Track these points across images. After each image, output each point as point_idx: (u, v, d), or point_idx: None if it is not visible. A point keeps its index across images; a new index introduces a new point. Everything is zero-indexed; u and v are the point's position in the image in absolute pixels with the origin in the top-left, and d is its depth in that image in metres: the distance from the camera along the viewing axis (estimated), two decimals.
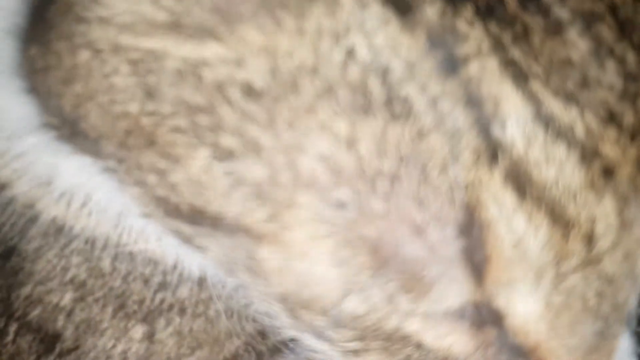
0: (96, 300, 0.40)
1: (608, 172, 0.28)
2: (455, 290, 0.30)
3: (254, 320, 0.41)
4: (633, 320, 0.37)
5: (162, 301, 0.40)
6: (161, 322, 0.40)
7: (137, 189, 0.32)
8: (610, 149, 0.28)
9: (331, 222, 0.29)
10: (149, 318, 0.40)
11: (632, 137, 0.29)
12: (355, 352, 0.33)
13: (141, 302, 0.40)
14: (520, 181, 0.27)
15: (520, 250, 0.28)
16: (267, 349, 0.42)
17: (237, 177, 0.29)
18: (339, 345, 0.33)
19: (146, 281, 0.40)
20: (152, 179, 0.31)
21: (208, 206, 0.30)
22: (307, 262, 0.30)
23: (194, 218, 0.31)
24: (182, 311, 0.40)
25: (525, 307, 0.31)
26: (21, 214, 0.39)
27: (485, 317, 0.32)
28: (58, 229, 0.39)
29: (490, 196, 0.27)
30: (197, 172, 0.30)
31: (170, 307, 0.40)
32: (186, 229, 0.33)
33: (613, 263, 0.31)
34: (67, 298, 0.40)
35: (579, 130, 0.28)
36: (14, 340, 0.41)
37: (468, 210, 0.28)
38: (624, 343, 0.36)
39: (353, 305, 0.31)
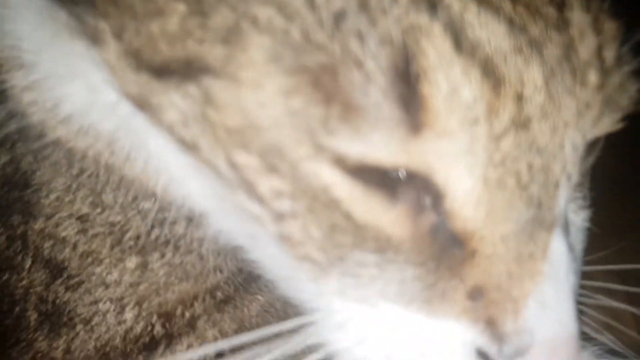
0: (96, 235, 0.43)
1: (536, 45, 0.32)
2: (388, 135, 0.31)
3: (236, 259, 0.44)
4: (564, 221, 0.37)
5: (157, 237, 0.43)
6: (155, 255, 0.43)
7: (116, 44, 0.34)
8: (535, 29, 0.32)
9: (280, 58, 0.31)
10: (143, 251, 0.43)
11: (558, 29, 0.33)
12: (282, 216, 0.34)
13: (138, 237, 0.43)
14: (457, 35, 0.30)
15: (455, 98, 0.30)
16: (242, 282, 0.45)
17: (206, 27, 0.32)
18: (268, 206, 0.34)
19: (144, 217, 0.43)
20: (130, 30, 0.34)
21: (179, 53, 0.33)
22: (255, 95, 0.32)
23: (162, 72, 0.34)
24: (176, 247, 0.43)
25: (464, 185, 0.32)
26: (35, 141, 0.42)
27: (424, 200, 0.33)
28: (67, 160, 0.42)
29: (430, 43, 0.30)
30: (174, 23, 0.32)
31: (166, 242, 0.43)
32: (152, 85, 0.34)
33: (542, 134, 0.33)
34: (72, 231, 0.43)
35: (507, 8, 0.31)
36: (28, 275, 0.44)
37: (407, 55, 0.30)
38: (559, 247, 0.35)
39: (285, 138, 0.32)
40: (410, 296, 0.34)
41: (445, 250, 0.34)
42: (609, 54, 0.36)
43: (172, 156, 0.38)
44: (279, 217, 0.34)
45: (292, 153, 0.33)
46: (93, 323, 0.42)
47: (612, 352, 0.47)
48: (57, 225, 0.43)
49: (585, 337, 0.48)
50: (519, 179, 0.33)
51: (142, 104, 0.35)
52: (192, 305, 0.43)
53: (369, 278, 0.35)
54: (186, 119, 0.34)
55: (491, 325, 0.33)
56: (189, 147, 0.35)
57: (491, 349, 0.34)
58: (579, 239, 0.42)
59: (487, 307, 0.34)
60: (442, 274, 0.34)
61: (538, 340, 0.33)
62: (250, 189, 0.34)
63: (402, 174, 0.33)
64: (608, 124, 0.38)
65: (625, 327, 0.53)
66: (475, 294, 0.34)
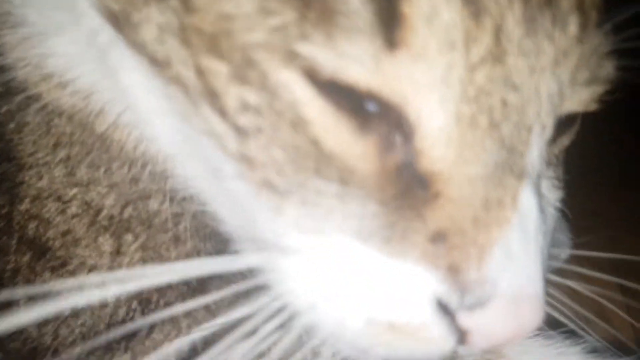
0: (75, 215, 0.44)
1: None
2: (363, 48, 0.30)
3: (214, 240, 0.45)
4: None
5: (130, 216, 0.43)
6: (129, 237, 0.44)
7: None
8: None
9: None
10: (117, 232, 0.43)
11: None
12: (245, 133, 0.34)
13: (111, 217, 0.43)
14: None
15: (434, 20, 0.30)
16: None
17: None
18: (233, 120, 0.34)
19: (118, 192, 0.43)
20: None
21: None
22: None
23: None
24: (150, 226, 0.44)
25: (436, 121, 0.32)
26: (17, 95, 0.43)
27: (395, 137, 0.33)
28: (46, 127, 0.43)
29: None
30: None
31: (140, 222, 0.44)
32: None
33: (518, 71, 0.32)
34: (54, 212, 0.44)
35: None
36: (15, 256, 0.45)
37: None
38: (529, 200, 0.35)
39: (258, 42, 0.32)
40: (369, 233, 0.33)
41: (409, 191, 0.33)
42: (590, 11, 0.36)
43: (142, 93, 0.39)
44: (242, 134, 0.34)
45: (264, 61, 0.32)
46: (78, 308, 0.43)
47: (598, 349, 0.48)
48: (40, 206, 0.44)
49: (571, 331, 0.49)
50: (492, 117, 0.32)
51: (122, 22, 0.36)
52: (166, 293, 0.44)
53: (328, 209, 0.34)
54: (162, 34, 0.34)
55: (453, 273, 0.33)
56: (161, 64, 0.35)
57: (451, 298, 0.33)
58: (551, 214, 0.42)
59: (449, 252, 0.33)
60: (404, 214, 0.33)
61: (501, 292, 0.32)
62: (216, 101, 0.34)
63: (375, 107, 0.33)
64: (585, 97, 0.38)
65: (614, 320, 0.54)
66: (438, 238, 0.33)
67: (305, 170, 0.34)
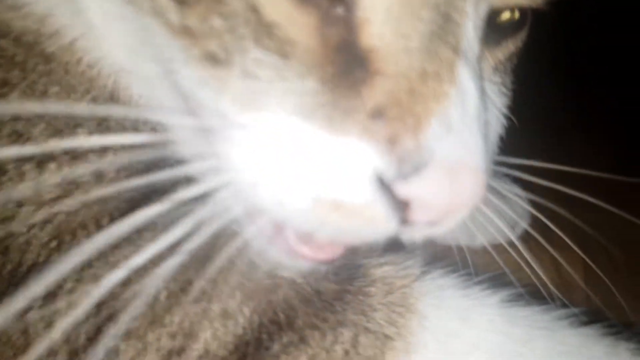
0: None
1: None
2: None
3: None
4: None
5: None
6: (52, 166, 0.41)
7: None
8: None
9: None
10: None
11: None
12: (186, 1, 0.34)
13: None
14: None
15: None
16: None
17: None
18: None
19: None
20: None
21: None
22: None
23: None
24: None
25: None
26: None
27: (337, 9, 0.33)
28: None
29: None
30: None
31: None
32: None
33: None
34: None
35: None
36: None
37: None
38: (468, 78, 0.35)
39: None
40: (311, 110, 0.33)
41: (349, 70, 0.33)
42: None
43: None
44: (182, 3, 0.34)
45: None
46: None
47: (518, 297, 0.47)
48: None
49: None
50: None
51: None
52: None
53: (269, 83, 0.33)
54: None
55: (391, 145, 0.33)
56: None
57: (389, 171, 0.33)
58: (495, 116, 0.43)
59: (388, 126, 0.33)
60: (344, 93, 0.33)
61: (437, 159, 0.33)
62: None
63: None
64: None
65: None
66: (377, 114, 0.33)
67: (245, 39, 0.33)
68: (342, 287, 0.43)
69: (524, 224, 0.83)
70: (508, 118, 0.49)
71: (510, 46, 0.45)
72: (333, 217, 0.34)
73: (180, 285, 0.39)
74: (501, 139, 0.49)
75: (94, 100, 0.42)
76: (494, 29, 0.42)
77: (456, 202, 0.34)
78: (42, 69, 0.42)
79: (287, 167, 0.34)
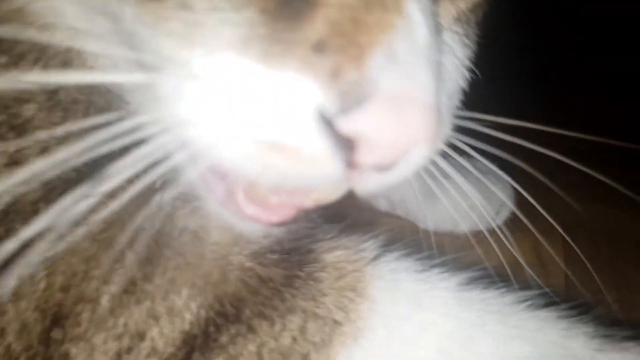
0: None
1: None
2: None
3: None
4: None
5: None
6: None
7: None
8: None
9: None
10: None
11: None
12: None
13: None
14: None
15: None
16: None
17: None
18: None
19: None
20: None
21: None
22: None
23: None
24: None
25: None
26: None
27: None
28: None
29: None
30: None
31: None
32: None
33: None
34: None
35: None
36: None
37: None
38: (417, 11, 0.33)
39: None
40: (250, 44, 0.32)
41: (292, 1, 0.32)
42: None
43: None
44: None
45: None
46: None
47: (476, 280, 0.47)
48: None
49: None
50: None
51: None
52: None
53: (203, 12, 0.32)
54: None
55: (334, 77, 0.31)
56: None
57: (331, 105, 0.31)
58: (454, 64, 0.42)
59: (330, 57, 0.31)
60: (286, 25, 0.32)
61: (381, 91, 0.31)
62: None
63: None
64: None
65: None
66: (320, 46, 0.31)
67: None
68: (291, 273, 0.43)
69: (507, 210, 0.82)
70: (471, 71, 0.47)
71: None
72: (275, 159, 0.33)
73: (123, 286, 0.39)
74: (468, 93, 0.47)
75: (45, 68, 0.41)
76: None
77: (403, 138, 0.32)
78: None
79: (223, 106, 0.33)
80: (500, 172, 0.82)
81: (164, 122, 0.34)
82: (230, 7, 0.32)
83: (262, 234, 0.43)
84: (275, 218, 0.40)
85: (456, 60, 0.43)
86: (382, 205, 0.85)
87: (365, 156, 0.32)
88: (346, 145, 0.32)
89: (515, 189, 0.79)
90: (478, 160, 0.87)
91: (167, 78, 0.33)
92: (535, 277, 0.51)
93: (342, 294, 0.43)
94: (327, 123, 0.31)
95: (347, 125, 0.31)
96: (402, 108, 0.31)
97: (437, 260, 0.47)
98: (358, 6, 0.31)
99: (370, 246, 0.46)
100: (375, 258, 0.45)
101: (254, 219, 0.40)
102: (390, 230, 0.48)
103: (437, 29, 0.37)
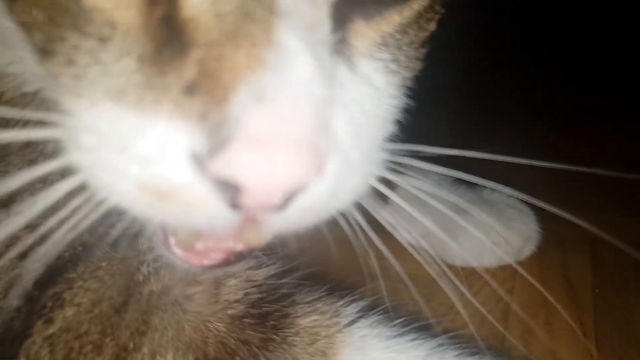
0: None
1: None
2: None
3: None
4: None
5: None
6: None
7: None
8: None
9: None
10: None
11: None
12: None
13: None
14: None
15: None
16: None
17: None
18: None
19: None
20: None
21: None
22: None
23: None
24: None
25: None
26: None
27: None
28: None
29: None
30: None
31: None
32: None
33: None
34: None
35: None
36: None
37: None
38: (295, 41, 0.32)
39: None
40: (127, 92, 0.32)
41: (168, 45, 0.32)
42: None
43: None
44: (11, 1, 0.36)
45: None
46: None
47: None
48: None
49: None
50: None
51: None
52: None
53: (84, 66, 0.34)
54: None
55: (201, 120, 0.31)
56: None
57: (201, 147, 0.31)
58: (374, 96, 0.40)
59: (200, 99, 0.31)
60: (161, 70, 0.32)
61: (243, 130, 0.30)
62: None
63: None
64: None
65: None
66: (191, 89, 0.31)
67: (63, 27, 0.34)
68: (267, 336, 0.46)
69: (533, 243, 0.79)
70: (409, 97, 0.44)
71: (395, 17, 0.41)
72: (160, 203, 0.34)
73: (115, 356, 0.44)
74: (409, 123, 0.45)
75: None
76: None
77: (273, 178, 0.31)
78: None
79: (107, 154, 0.34)
80: (522, 205, 0.81)
81: (68, 170, 0.36)
82: (110, 59, 0.33)
83: (240, 298, 0.47)
84: (207, 262, 0.41)
85: (374, 90, 0.39)
86: (406, 237, 0.86)
87: (243, 198, 0.32)
88: (226, 186, 0.32)
89: (539, 220, 0.79)
90: (500, 193, 0.86)
91: (63, 131, 0.36)
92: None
93: (314, 359, 0.46)
94: (201, 165, 0.32)
95: (216, 166, 0.31)
96: (266, 147, 0.30)
97: (416, 325, 0.49)
98: (226, 43, 0.31)
99: (348, 311, 0.48)
100: (350, 324, 0.47)
101: (187, 263, 0.41)
102: (374, 293, 0.50)
103: (336, 62, 0.36)
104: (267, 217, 0.35)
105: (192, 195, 0.33)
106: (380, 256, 0.49)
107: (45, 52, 0.36)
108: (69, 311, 0.45)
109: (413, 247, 0.83)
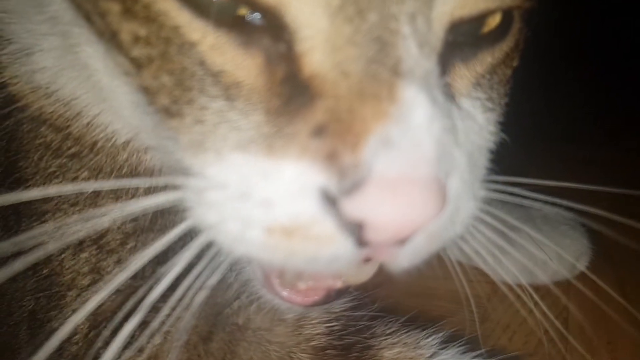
0: None
1: None
2: None
3: None
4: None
5: None
6: None
7: None
8: None
9: None
10: None
11: None
12: (140, 64, 0.38)
13: None
14: None
15: None
16: None
17: None
18: (129, 54, 0.38)
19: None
20: None
21: None
22: None
23: None
24: None
25: (311, 20, 0.34)
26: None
27: (279, 48, 0.35)
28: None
29: None
30: None
31: None
32: None
33: None
34: None
35: None
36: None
37: None
38: (415, 95, 0.35)
39: None
40: (257, 142, 0.35)
41: (293, 98, 0.35)
42: None
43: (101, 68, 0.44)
44: (137, 65, 0.38)
45: None
46: None
47: None
48: None
49: None
50: (358, 5, 0.34)
51: None
52: None
53: (213, 124, 0.36)
54: None
55: (331, 159, 0.33)
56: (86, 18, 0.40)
57: (332, 185, 0.33)
58: (475, 131, 0.42)
59: (328, 141, 0.34)
60: (287, 119, 0.35)
61: (375, 174, 0.33)
62: (116, 40, 0.38)
63: (257, 18, 0.35)
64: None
65: None
66: (319, 131, 0.34)
67: (192, 90, 0.36)
68: None
69: (586, 258, 0.79)
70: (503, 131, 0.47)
71: (488, 58, 0.44)
72: (287, 244, 0.35)
73: None
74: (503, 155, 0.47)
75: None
76: (472, 41, 0.42)
77: (403, 217, 0.33)
78: (73, 152, 0.48)
79: (236, 202, 0.36)
80: (574, 221, 0.80)
81: (197, 228, 0.38)
82: (237, 116, 0.36)
83: (321, 330, 0.47)
84: (309, 300, 0.43)
85: (476, 125, 0.42)
86: (456, 255, 0.86)
87: (372, 235, 0.34)
88: (354, 224, 0.34)
89: (591, 235, 0.78)
90: (553, 210, 0.85)
91: (189, 191, 0.38)
92: None
93: None
94: (332, 203, 0.34)
95: (349, 207, 0.33)
96: (398, 189, 0.33)
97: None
98: (354, 98, 0.34)
99: (429, 343, 0.48)
100: (432, 356, 0.47)
101: (290, 302, 0.43)
102: (452, 326, 0.50)
103: (446, 101, 0.38)
104: (392, 252, 0.36)
105: (322, 230, 0.35)
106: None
107: (169, 113, 0.37)
108: (158, 339, 0.45)
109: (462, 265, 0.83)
